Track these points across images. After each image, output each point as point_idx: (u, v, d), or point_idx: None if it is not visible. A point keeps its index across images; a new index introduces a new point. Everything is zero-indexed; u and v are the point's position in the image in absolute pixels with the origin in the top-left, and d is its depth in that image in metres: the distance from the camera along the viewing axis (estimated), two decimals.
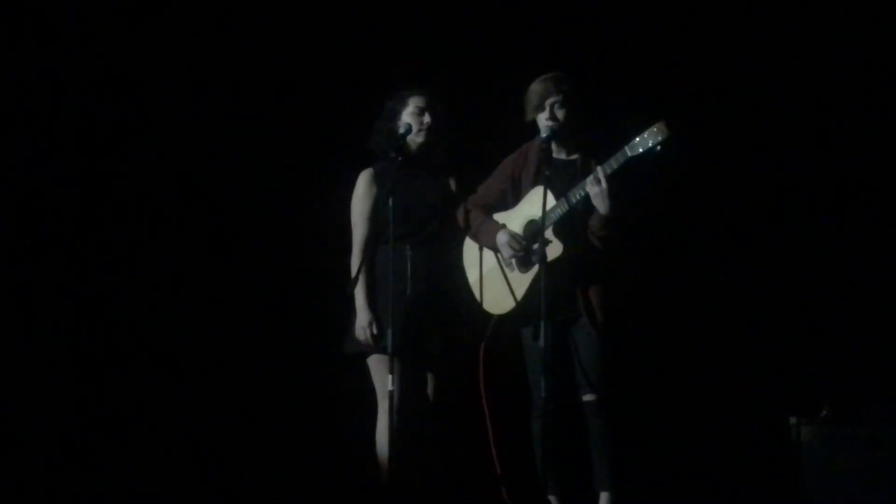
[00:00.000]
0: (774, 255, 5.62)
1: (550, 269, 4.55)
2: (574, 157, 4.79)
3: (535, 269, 4.69)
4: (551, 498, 4.71)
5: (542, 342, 4.50)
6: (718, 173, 5.60)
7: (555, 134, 4.72)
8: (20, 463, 5.41)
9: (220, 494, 5.46)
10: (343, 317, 4.93)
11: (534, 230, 4.74)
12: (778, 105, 5.62)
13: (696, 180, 5.55)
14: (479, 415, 4.78)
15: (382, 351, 4.77)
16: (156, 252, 5.74)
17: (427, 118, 4.91)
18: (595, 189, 4.58)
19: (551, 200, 4.62)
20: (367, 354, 4.88)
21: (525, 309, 4.76)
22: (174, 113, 5.76)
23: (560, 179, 4.70)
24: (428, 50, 5.67)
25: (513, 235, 4.79)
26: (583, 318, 4.68)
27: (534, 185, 4.78)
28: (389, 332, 4.65)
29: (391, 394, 4.63)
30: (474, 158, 5.12)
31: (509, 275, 4.84)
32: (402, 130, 4.87)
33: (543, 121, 4.72)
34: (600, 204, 4.59)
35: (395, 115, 4.94)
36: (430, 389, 4.90)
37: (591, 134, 4.76)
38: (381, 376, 4.79)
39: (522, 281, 4.79)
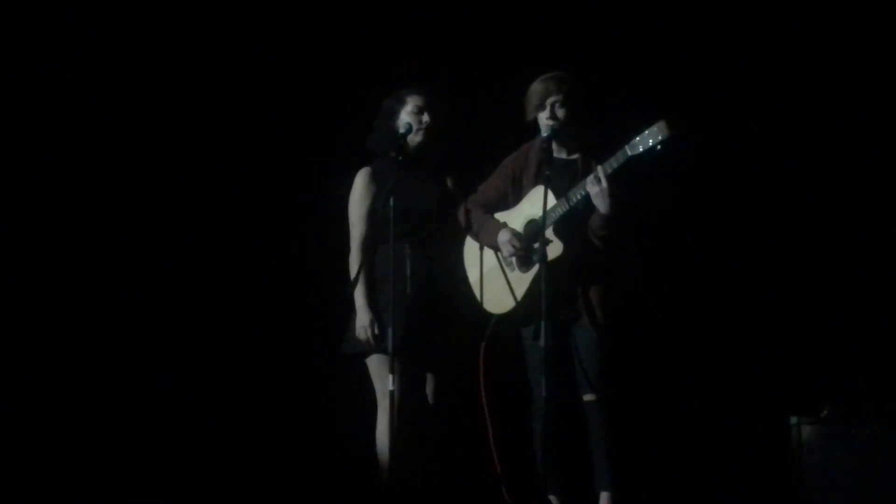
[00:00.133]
0: (774, 254, 5.62)
1: (551, 269, 4.55)
2: (575, 156, 4.79)
3: (536, 268, 4.68)
4: (551, 498, 4.71)
5: (542, 342, 4.50)
6: (719, 173, 5.61)
7: (555, 133, 4.72)
8: (20, 463, 5.41)
9: (221, 494, 5.44)
10: (343, 317, 4.92)
11: (534, 230, 4.74)
12: (778, 105, 5.62)
13: (696, 180, 5.56)
14: (479, 415, 4.78)
15: (383, 351, 4.76)
16: (156, 252, 5.74)
17: (426, 117, 4.90)
18: (595, 188, 4.57)
19: (552, 200, 4.62)
20: (368, 354, 4.87)
21: (525, 308, 4.76)
22: (174, 113, 5.76)
23: (561, 179, 4.69)
24: (428, 50, 5.66)
25: (514, 234, 4.78)
26: (583, 317, 4.68)
27: (534, 184, 4.78)
28: (390, 331, 4.64)
29: (392, 394, 4.62)
30: (474, 158, 5.12)
31: (509, 274, 4.84)
32: (402, 130, 4.86)
33: (544, 120, 4.72)
34: (601, 203, 4.58)
35: (394, 114, 4.93)
36: (430, 389, 4.90)
37: (592, 133, 4.76)
38: (382, 376, 4.77)
39: (523, 280, 4.79)
